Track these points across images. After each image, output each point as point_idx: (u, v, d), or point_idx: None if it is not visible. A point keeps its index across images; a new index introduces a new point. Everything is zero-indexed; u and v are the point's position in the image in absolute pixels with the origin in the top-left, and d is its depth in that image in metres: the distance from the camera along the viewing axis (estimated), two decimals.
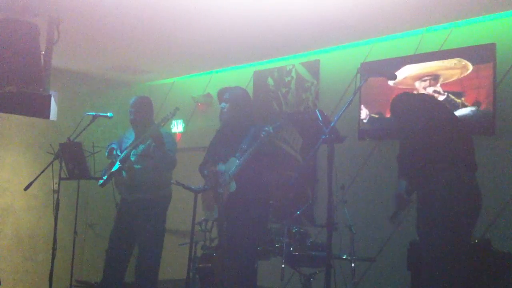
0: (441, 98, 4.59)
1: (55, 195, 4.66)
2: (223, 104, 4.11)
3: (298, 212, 4.50)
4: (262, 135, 3.81)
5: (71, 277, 4.80)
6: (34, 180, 4.53)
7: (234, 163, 3.95)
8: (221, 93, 4.18)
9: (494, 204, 4.40)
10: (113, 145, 4.71)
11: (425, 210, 3.14)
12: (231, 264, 3.94)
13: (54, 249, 4.56)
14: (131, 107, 4.69)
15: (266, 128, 3.81)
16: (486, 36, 4.60)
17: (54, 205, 4.61)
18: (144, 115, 4.70)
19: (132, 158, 4.56)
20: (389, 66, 4.88)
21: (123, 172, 4.55)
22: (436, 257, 3.03)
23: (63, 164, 4.64)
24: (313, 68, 5.83)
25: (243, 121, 4.05)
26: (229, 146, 4.05)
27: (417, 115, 3.32)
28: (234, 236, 3.94)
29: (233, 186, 3.93)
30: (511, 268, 3.64)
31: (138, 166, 4.55)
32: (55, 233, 4.56)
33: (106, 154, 4.70)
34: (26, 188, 4.54)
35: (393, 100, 3.55)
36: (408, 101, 3.46)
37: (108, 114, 4.82)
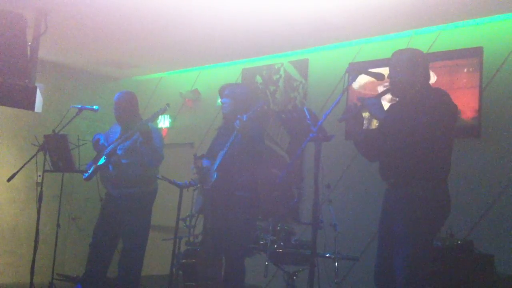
0: None
1: (39, 188, 4.62)
2: (224, 100, 4.11)
3: (286, 207, 4.49)
4: (235, 124, 3.81)
5: (53, 270, 4.77)
6: (18, 171, 4.49)
7: (221, 156, 3.96)
8: (222, 89, 4.19)
9: (477, 206, 4.44)
10: (99, 136, 4.68)
11: (407, 213, 3.08)
12: (217, 261, 3.93)
13: (36, 242, 4.53)
14: (115, 104, 4.66)
15: (239, 116, 3.80)
16: (473, 39, 4.64)
17: (38, 197, 4.56)
18: (129, 110, 4.66)
19: (119, 153, 4.53)
20: (378, 67, 4.90)
21: (110, 166, 4.52)
22: (413, 261, 3.01)
23: (47, 156, 4.60)
24: (302, 67, 5.84)
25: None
26: (224, 141, 4.04)
27: (455, 115, 3.19)
28: (222, 233, 3.92)
29: (214, 176, 3.93)
30: (492, 270, 3.68)
31: (125, 161, 4.52)
32: (37, 226, 4.52)
33: (93, 143, 4.66)
34: (9, 179, 4.49)
35: (444, 93, 3.17)
36: (450, 99, 3.14)
37: (94, 107, 4.78)
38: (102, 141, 4.55)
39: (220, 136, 4.18)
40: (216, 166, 3.92)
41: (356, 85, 5.20)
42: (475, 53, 4.55)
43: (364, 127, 3.41)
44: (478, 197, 4.44)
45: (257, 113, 3.84)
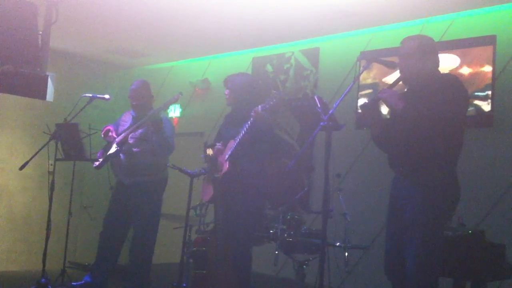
0: None
1: (50, 176, 4.64)
2: (225, 91, 4.13)
3: (296, 197, 4.49)
4: (250, 115, 3.82)
5: (65, 258, 4.80)
6: (30, 159, 4.51)
7: (231, 146, 3.96)
8: (226, 80, 4.20)
9: (489, 196, 4.41)
10: (109, 127, 4.69)
11: (423, 202, 3.06)
12: (226, 249, 3.94)
13: (48, 230, 4.55)
14: (133, 91, 4.66)
15: (255, 108, 3.81)
16: (486, 27, 4.59)
17: (49, 186, 4.59)
18: (146, 98, 4.68)
19: (130, 141, 4.54)
20: (390, 56, 4.86)
21: (121, 155, 4.54)
22: (425, 249, 3.00)
23: (59, 145, 4.62)
24: (313, 56, 5.81)
25: (245, 107, 4.05)
26: (232, 131, 4.05)
27: (466, 100, 3.17)
28: (229, 220, 3.94)
29: (226, 166, 3.95)
30: (503, 259, 3.66)
31: (136, 150, 4.54)
32: (49, 214, 4.55)
33: (102, 133, 4.68)
34: (21, 168, 4.51)
35: (454, 78, 3.12)
36: (461, 84, 3.07)
37: (105, 96, 4.79)
38: (111, 133, 4.58)
39: (228, 124, 4.19)
40: (227, 156, 3.94)
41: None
42: (488, 41, 4.50)
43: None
44: (490, 187, 4.41)
45: (273, 105, 3.83)
